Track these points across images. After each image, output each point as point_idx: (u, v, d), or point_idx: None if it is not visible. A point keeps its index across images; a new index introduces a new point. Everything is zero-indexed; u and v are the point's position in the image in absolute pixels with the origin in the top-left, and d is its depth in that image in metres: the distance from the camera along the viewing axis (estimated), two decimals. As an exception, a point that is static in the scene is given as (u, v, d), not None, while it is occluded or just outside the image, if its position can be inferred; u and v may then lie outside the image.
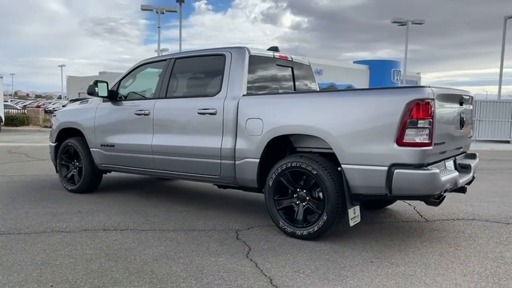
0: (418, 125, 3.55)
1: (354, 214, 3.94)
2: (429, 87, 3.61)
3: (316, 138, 4.10)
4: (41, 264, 3.45)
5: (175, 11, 26.09)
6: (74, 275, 3.24)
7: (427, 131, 3.57)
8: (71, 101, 8.33)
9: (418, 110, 3.55)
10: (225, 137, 4.62)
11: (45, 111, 27.93)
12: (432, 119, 3.58)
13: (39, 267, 3.39)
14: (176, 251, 3.82)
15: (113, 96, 5.73)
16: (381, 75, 48.53)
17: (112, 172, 6.25)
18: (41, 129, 21.46)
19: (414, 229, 4.60)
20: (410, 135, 3.57)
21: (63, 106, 7.89)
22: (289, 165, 4.17)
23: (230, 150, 4.59)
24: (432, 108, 3.58)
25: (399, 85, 35.90)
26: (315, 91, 5.20)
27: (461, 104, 4.28)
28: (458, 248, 4.00)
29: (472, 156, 4.87)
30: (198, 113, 4.81)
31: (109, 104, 5.82)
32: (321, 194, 4.07)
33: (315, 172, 3.99)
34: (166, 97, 5.24)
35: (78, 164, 6.20)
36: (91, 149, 5.95)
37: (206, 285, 3.09)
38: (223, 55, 4.83)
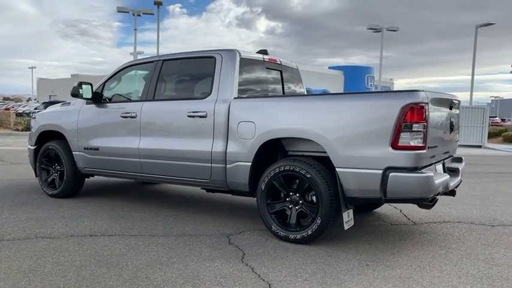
0: (413, 129, 3.58)
1: (348, 217, 3.94)
2: (423, 91, 3.65)
3: (310, 142, 4.09)
4: (29, 272, 3.32)
5: (152, 14, 25.83)
6: (65, 283, 3.12)
7: (421, 135, 3.61)
8: (44, 103, 8.10)
9: (413, 114, 3.58)
10: (216, 140, 4.56)
11: (17, 114, 27.13)
12: (426, 122, 3.62)
13: (27, 275, 3.25)
14: (169, 256, 3.73)
15: (97, 99, 5.60)
16: (355, 80, 49.31)
17: (95, 176, 6.09)
18: (13, 132, 20.81)
19: (404, 232, 4.64)
20: (405, 138, 3.59)
21: (35, 108, 7.65)
22: (282, 169, 4.14)
23: (221, 153, 4.53)
24: (426, 112, 3.62)
25: (373, 90, 36.47)
26: (309, 95, 5.19)
27: (450, 108, 4.35)
28: (449, 250, 4.05)
29: (459, 160, 4.95)
30: (188, 116, 4.74)
31: (93, 106, 5.67)
32: (314, 198, 4.06)
33: (308, 176, 3.97)
34: (154, 99, 5.14)
35: (60, 167, 6.02)
36: (73, 153, 5.79)
37: (201, 275, 3.03)
38: (213, 57, 4.78)
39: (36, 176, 6.51)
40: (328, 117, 3.94)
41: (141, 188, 7.03)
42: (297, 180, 4.14)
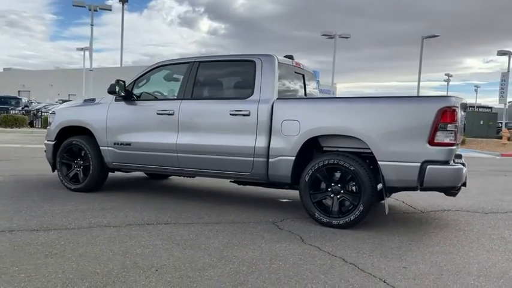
0: (447, 128, 4.27)
1: (387, 204, 4.56)
2: (454, 97, 4.35)
3: (350, 139, 4.67)
4: (125, 254, 3.62)
5: (110, 10, 25.41)
6: (167, 262, 3.47)
7: (453, 133, 4.30)
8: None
9: (447, 116, 4.26)
10: (259, 136, 5.02)
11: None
12: (457, 123, 4.32)
13: (125, 256, 3.56)
14: (238, 239, 4.15)
15: (128, 96, 5.84)
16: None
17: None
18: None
19: (418, 219, 5.34)
20: (441, 136, 4.27)
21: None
22: (326, 162, 4.69)
23: (264, 148, 4.99)
24: (457, 115, 4.32)
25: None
26: (354, 97, 5.75)
27: (464, 111, 5.10)
28: (465, 232, 4.78)
29: (460, 156, 5.74)
30: (230, 114, 5.15)
31: (123, 103, 5.91)
32: (354, 188, 4.64)
33: (352, 168, 4.54)
34: (192, 98, 5.49)
35: (83, 162, 6.18)
36: (101, 148, 5.98)
37: (293, 265, 3.50)
38: (253, 61, 5.23)
39: (53, 171, 6.61)
40: (373, 117, 4.54)
41: (150, 183, 7.30)
42: (339, 173, 4.70)
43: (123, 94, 5.73)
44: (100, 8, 25.56)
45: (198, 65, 5.56)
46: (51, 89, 74.52)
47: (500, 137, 21.72)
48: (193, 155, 5.40)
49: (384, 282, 3.21)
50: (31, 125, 23.68)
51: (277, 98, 5.06)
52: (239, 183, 5.69)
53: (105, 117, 5.95)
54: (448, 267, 3.58)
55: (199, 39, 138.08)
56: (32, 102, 29.71)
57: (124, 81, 5.78)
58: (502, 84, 34.94)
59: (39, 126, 22.85)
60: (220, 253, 3.74)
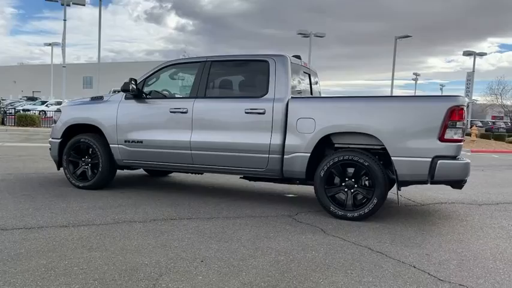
0: (456, 126, 4.60)
1: (400, 196, 4.86)
2: (461, 96, 4.69)
3: (361, 136, 4.94)
4: (164, 247, 3.76)
5: (83, 4, 24.97)
6: (208, 252, 3.63)
7: (461, 130, 4.64)
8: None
9: (456, 114, 4.59)
10: (274, 134, 5.23)
11: None
12: (464, 120, 4.66)
13: (165, 249, 3.70)
14: (265, 231, 4.35)
15: (139, 95, 5.93)
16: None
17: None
18: None
19: (421, 211, 5.67)
20: (450, 133, 4.60)
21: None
22: (341, 158, 4.94)
23: (279, 145, 5.21)
24: (465, 113, 4.66)
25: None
26: (371, 96, 5.99)
27: None
28: (468, 222, 5.14)
29: None
30: (246, 113, 5.34)
31: (133, 101, 5.99)
32: (367, 182, 4.92)
33: (366, 164, 4.82)
34: (205, 97, 5.64)
35: (92, 160, 6.22)
36: (111, 145, 6.05)
37: (326, 254, 3.73)
38: (266, 61, 5.43)
39: (58, 169, 6.63)
40: (387, 116, 4.83)
41: (152, 180, 7.40)
42: (352, 168, 4.96)
43: (135, 93, 5.81)
44: (73, 3, 25.06)
45: (210, 65, 5.71)
46: (15, 86, 72.27)
47: (469, 134, 22.70)
48: (207, 152, 5.55)
49: (414, 267, 3.49)
50: (2, 122, 23.00)
51: (291, 97, 5.28)
52: (250, 179, 5.88)
53: (115, 115, 6.02)
54: (465, 254, 3.90)
55: (167, 35, 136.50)
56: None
57: (135, 80, 5.86)
58: (467, 84, 36.35)
59: (12, 124, 22.24)
60: (254, 245, 3.92)
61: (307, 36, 29.41)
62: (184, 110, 5.64)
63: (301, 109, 5.18)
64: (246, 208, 5.39)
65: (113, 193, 6.00)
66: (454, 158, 4.65)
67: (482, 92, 52.77)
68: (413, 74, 51.70)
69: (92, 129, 6.27)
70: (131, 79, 5.76)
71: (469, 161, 4.70)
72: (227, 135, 5.45)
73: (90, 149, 6.19)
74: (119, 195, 5.86)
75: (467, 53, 36.46)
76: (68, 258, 3.42)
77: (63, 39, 25.95)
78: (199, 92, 5.68)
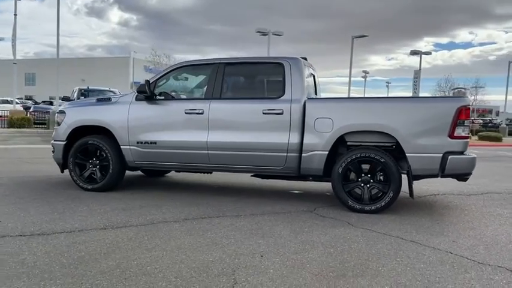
0: (464, 124, 5.05)
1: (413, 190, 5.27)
2: (468, 97, 5.16)
3: (374, 134, 5.30)
4: (215, 244, 3.92)
5: None
6: (261, 247, 3.83)
7: (468, 128, 5.11)
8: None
9: (464, 113, 5.05)
10: (292, 133, 5.47)
11: None
12: (470, 119, 5.13)
13: (217, 246, 3.86)
14: (298, 227, 4.60)
15: (153, 96, 5.98)
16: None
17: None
18: None
19: (423, 203, 6.12)
20: (459, 131, 5.05)
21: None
22: (358, 156, 5.27)
23: (297, 144, 5.46)
24: (471, 112, 5.13)
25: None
26: (386, 97, 6.32)
27: None
28: (469, 211, 5.63)
29: None
30: (263, 113, 5.55)
31: (144, 103, 6.03)
32: (382, 177, 5.29)
33: (382, 160, 5.18)
34: (221, 98, 5.79)
35: (101, 162, 6.20)
36: (122, 147, 6.05)
37: (367, 245, 4.03)
38: (281, 64, 5.67)
39: (62, 172, 6.55)
40: (402, 115, 5.20)
41: (155, 180, 7.44)
42: (368, 164, 5.31)
43: (149, 94, 5.86)
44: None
45: (224, 67, 5.86)
46: None
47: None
48: (225, 151, 5.70)
49: (451, 253, 3.86)
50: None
51: (308, 98, 5.55)
52: (262, 177, 6.10)
53: (126, 116, 6.02)
54: (485, 240, 4.33)
55: (109, 30, 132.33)
56: None
57: (149, 81, 5.90)
58: (414, 81, 38.21)
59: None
60: (296, 239, 4.16)
61: (266, 35, 29.82)
62: (200, 111, 5.76)
63: (318, 109, 5.45)
64: (265, 205, 5.59)
65: (124, 195, 6.02)
66: (462, 153, 5.10)
67: (429, 89, 55.65)
68: (363, 71, 53.66)
69: (99, 131, 6.23)
70: (147, 81, 5.81)
71: (476, 155, 5.18)
72: (245, 135, 5.63)
73: (100, 151, 6.15)
74: (132, 197, 5.89)
75: (414, 52, 38.37)
76: (134, 258, 3.50)
77: (14, 34, 24.73)
78: (214, 93, 5.81)
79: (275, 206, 5.56)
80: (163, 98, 6.06)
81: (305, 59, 6.30)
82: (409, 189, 5.31)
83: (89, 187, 6.17)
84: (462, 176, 5.35)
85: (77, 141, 6.29)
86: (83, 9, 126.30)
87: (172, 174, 8.04)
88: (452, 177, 5.40)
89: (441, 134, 5.08)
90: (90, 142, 6.17)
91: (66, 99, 16.60)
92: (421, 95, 38.04)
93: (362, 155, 5.26)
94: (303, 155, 5.47)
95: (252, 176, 6.23)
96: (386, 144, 5.39)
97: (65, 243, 3.83)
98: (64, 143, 6.32)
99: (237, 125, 5.71)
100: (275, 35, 29.83)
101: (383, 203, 5.21)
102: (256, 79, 6.17)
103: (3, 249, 3.64)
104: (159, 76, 6.11)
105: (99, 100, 6.45)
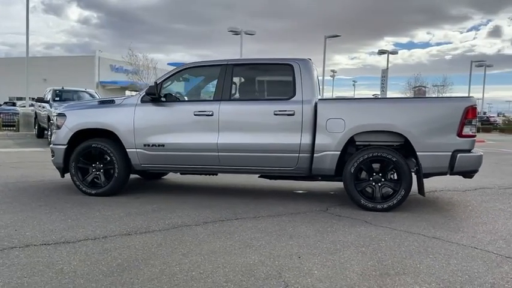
0: (472, 123, 5.24)
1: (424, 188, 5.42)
2: (474, 97, 5.35)
3: (384, 133, 5.43)
4: (249, 247, 3.92)
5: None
6: (294, 249, 3.87)
7: (475, 127, 5.30)
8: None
9: (471, 113, 5.24)
10: (304, 134, 5.53)
11: None
12: (477, 118, 5.33)
13: (252, 248, 3.86)
14: (321, 227, 4.65)
15: (159, 98, 5.89)
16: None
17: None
18: None
19: (426, 200, 6.29)
20: (467, 129, 5.23)
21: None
22: (370, 155, 5.38)
23: (309, 145, 5.52)
24: (477, 112, 5.33)
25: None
26: (397, 98, 6.42)
27: None
28: (472, 207, 5.84)
29: None
30: (275, 114, 5.57)
31: (150, 105, 5.94)
32: (393, 176, 5.42)
33: (394, 159, 5.31)
34: (231, 100, 5.77)
35: (105, 166, 6.06)
36: (128, 150, 5.94)
37: (395, 244, 4.13)
38: (290, 65, 5.71)
39: (63, 177, 6.38)
40: (413, 115, 5.34)
41: (153, 183, 7.33)
42: (379, 164, 5.42)
43: (158, 96, 5.78)
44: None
45: (233, 68, 5.85)
46: None
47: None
48: (236, 153, 5.69)
49: (476, 248, 4.01)
50: None
51: (319, 99, 5.61)
52: (270, 177, 6.12)
53: (131, 119, 5.91)
54: (500, 234, 4.52)
55: (68, 28, 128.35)
56: None
57: (156, 82, 5.82)
58: (382, 80, 39.12)
59: None
60: (325, 239, 4.21)
61: (238, 34, 29.82)
62: (209, 113, 5.72)
63: (330, 110, 5.52)
64: (277, 206, 5.62)
65: (130, 199, 5.91)
66: (469, 151, 5.29)
67: (394, 87, 57.00)
68: (331, 71, 54.50)
69: (102, 134, 6.10)
70: (155, 82, 5.72)
71: (482, 153, 5.38)
72: (256, 136, 5.63)
73: (104, 155, 6.01)
74: (140, 201, 5.79)
75: (381, 52, 39.31)
76: (174, 264, 3.45)
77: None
78: (223, 94, 5.79)
79: (287, 207, 5.59)
80: (171, 99, 5.98)
81: (310, 60, 6.36)
82: (419, 187, 5.45)
83: (93, 192, 6.02)
84: (469, 173, 5.55)
85: (76, 145, 6.13)
86: (40, 6, 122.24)
87: (170, 177, 7.95)
88: (459, 175, 5.58)
89: (450, 133, 5.25)
90: (93, 146, 6.02)
91: (40, 100, 16.00)
92: (388, 94, 39.01)
93: (374, 154, 5.37)
94: (314, 155, 5.53)
95: (259, 177, 6.24)
96: (394, 144, 5.52)
97: (96, 251, 3.74)
98: (65, 147, 6.13)
99: (249, 126, 5.70)
100: (247, 34, 29.89)
101: (395, 201, 5.34)
102: (266, 80, 6.19)
103: (35, 259, 3.52)
104: (165, 78, 6.03)
105: (101, 102, 6.30)
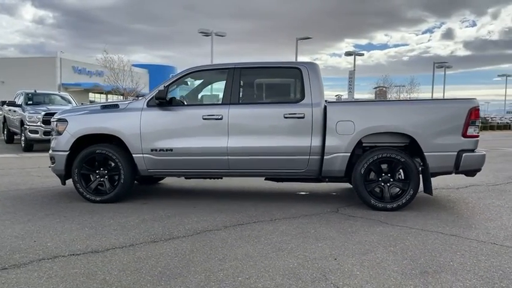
0: (475, 124, 5.47)
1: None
2: (476, 99, 5.58)
3: (390, 135, 5.59)
4: (281, 250, 3.95)
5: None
6: (326, 251, 3.93)
7: (478, 128, 5.53)
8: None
9: (474, 114, 5.46)
10: (314, 136, 5.60)
11: None
12: (479, 119, 5.56)
13: (284, 251, 3.90)
14: (339, 228, 4.74)
15: (166, 102, 5.83)
16: (159, 79, 50.29)
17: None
18: None
19: (426, 198, 6.48)
20: (471, 130, 5.46)
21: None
22: (380, 156, 5.52)
23: (319, 147, 5.60)
24: (479, 113, 5.56)
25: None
26: (404, 100, 6.55)
27: None
28: (473, 204, 6.08)
29: None
30: (285, 117, 5.63)
31: (157, 109, 5.86)
32: (402, 176, 5.58)
33: (403, 160, 5.46)
34: (240, 103, 5.78)
35: (110, 172, 5.94)
36: (134, 155, 5.84)
37: (419, 242, 4.26)
38: (298, 68, 5.78)
39: (64, 184, 6.21)
40: (421, 117, 5.51)
41: (152, 188, 7.23)
42: (386, 164, 5.57)
43: (166, 100, 5.71)
44: None
45: (240, 72, 5.86)
46: None
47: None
48: (246, 156, 5.70)
49: (496, 244, 4.19)
50: None
51: (329, 102, 5.70)
52: (277, 180, 6.17)
53: (138, 123, 5.82)
54: (511, 230, 4.74)
55: (23, 28, 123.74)
56: None
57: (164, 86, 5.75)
58: (349, 81, 39.87)
59: None
60: (350, 240, 4.29)
61: (209, 35, 29.68)
62: (219, 117, 5.70)
63: (340, 113, 5.63)
64: (288, 208, 5.66)
65: (137, 204, 5.83)
66: (473, 151, 5.52)
67: (358, 88, 58.16)
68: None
69: (105, 140, 5.98)
70: (165, 86, 5.65)
71: (485, 153, 5.62)
72: (266, 139, 5.66)
73: (109, 161, 5.88)
74: (149, 207, 5.72)
75: (348, 53, 40.06)
76: (216, 270, 3.45)
77: None
78: (232, 98, 5.78)
79: (298, 209, 5.64)
80: (177, 104, 5.92)
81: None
82: (427, 186, 5.61)
83: (98, 199, 5.88)
84: (472, 172, 5.77)
85: (78, 151, 5.97)
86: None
87: (166, 181, 7.85)
88: (463, 173, 5.79)
89: (456, 134, 5.46)
90: (98, 151, 5.87)
91: (11, 104, 15.36)
92: (355, 95, 39.81)
93: (384, 155, 5.51)
94: (325, 157, 5.61)
95: (265, 179, 6.27)
96: (400, 144, 5.69)
97: (130, 259, 3.68)
98: (67, 153, 5.96)
99: (259, 130, 5.72)
100: (217, 35, 29.80)
101: (404, 201, 5.49)
102: (274, 84, 6.23)
103: (71, 271, 3.42)
104: (171, 81, 5.96)
105: (104, 107, 6.16)
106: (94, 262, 3.61)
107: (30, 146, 13.77)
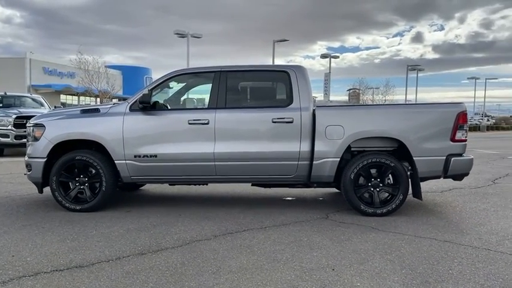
0: (463, 128, 5.47)
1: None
2: (464, 103, 5.58)
3: (379, 139, 5.54)
4: (275, 261, 3.82)
5: None
6: (324, 259, 3.82)
7: (466, 132, 5.53)
8: None
9: (462, 118, 5.46)
10: (303, 141, 5.49)
11: None
12: (467, 123, 5.57)
13: (282, 264, 3.77)
14: (333, 235, 4.64)
15: (150, 107, 5.62)
16: (134, 80, 49.80)
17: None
18: None
19: (416, 202, 6.45)
20: (459, 134, 5.45)
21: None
22: (369, 161, 5.45)
23: (308, 152, 5.50)
24: (467, 117, 5.57)
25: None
26: (393, 104, 6.48)
27: None
28: (459, 208, 6.09)
29: None
30: (273, 122, 5.50)
31: (140, 114, 5.65)
32: (391, 180, 5.53)
33: (392, 164, 5.41)
34: (226, 107, 5.61)
35: (90, 179, 5.69)
36: (117, 162, 5.61)
37: (413, 249, 4.19)
38: (286, 72, 5.66)
39: (41, 192, 5.92)
40: (409, 121, 5.47)
41: (133, 194, 7.00)
42: (375, 169, 5.51)
43: (150, 104, 5.51)
44: None
45: (227, 75, 5.70)
46: None
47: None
48: (233, 162, 5.54)
49: (489, 250, 4.17)
50: None
51: (317, 106, 5.60)
52: (264, 185, 6.04)
53: (120, 128, 5.59)
54: (503, 234, 4.72)
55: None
56: None
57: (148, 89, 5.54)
58: (325, 83, 40.14)
59: None
60: (345, 248, 4.20)
61: (185, 37, 29.34)
62: (205, 121, 5.53)
63: (329, 117, 5.53)
64: (277, 215, 5.53)
65: (121, 213, 5.61)
66: (461, 155, 5.51)
67: (331, 90, 58.72)
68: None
69: (85, 146, 5.73)
70: (149, 90, 5.44)
71: (473, 157, 5.63)
72: (254, 144, 5.52)
73: (90, 168, 5.63)
74: (133, 215, 5.50)
75: (324, 56, 40.35)
76: (212, 285, 3.29)
77: None
78: (218, 102, 5.62)
79: (287, 215, 5.52)
80: (162, 108, 5.72)
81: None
82: (416, 191, 5.57)
83: (78, 207, 5.62)
84: (461, 176, 5.77)
85: (56, 157, 5.70)
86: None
87: (147, 187, 7.61)
88: (452, 178, 5.79)
89: (444, 138, 5.44)
90: (78, 158, 5.61)
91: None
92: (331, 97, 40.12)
93: (373, 160, 5.44)
94: (314, 162, 5.51)
95: (252, 185, 6.13)
96: (388, 149, 5.64)
97: (119, 275, 3.48)
98: (44, 160, 5.67)
99: (246, 135, 5.58)
100: (193, 37, 29.50)
101: (393, 206, 5.44)
102: (262, 87, 6.10)
103: (56, 289, 3.19)
104: (154, 85, 5.76)
105: (84, 111, 5.89)
106: (80, 279, 3.39)
107: (0, 151, 13.24)
